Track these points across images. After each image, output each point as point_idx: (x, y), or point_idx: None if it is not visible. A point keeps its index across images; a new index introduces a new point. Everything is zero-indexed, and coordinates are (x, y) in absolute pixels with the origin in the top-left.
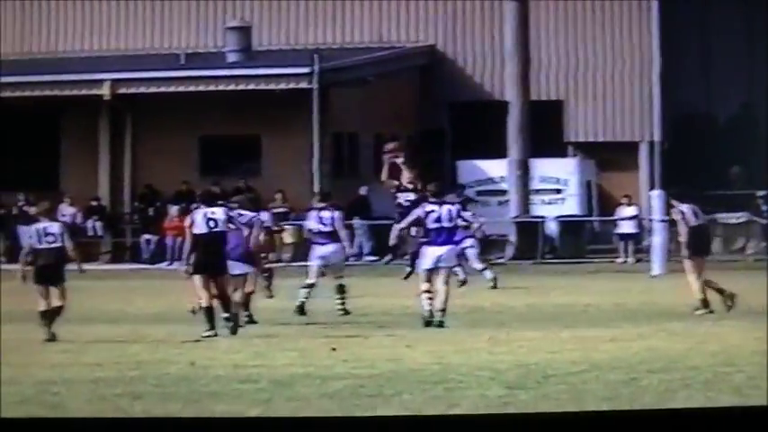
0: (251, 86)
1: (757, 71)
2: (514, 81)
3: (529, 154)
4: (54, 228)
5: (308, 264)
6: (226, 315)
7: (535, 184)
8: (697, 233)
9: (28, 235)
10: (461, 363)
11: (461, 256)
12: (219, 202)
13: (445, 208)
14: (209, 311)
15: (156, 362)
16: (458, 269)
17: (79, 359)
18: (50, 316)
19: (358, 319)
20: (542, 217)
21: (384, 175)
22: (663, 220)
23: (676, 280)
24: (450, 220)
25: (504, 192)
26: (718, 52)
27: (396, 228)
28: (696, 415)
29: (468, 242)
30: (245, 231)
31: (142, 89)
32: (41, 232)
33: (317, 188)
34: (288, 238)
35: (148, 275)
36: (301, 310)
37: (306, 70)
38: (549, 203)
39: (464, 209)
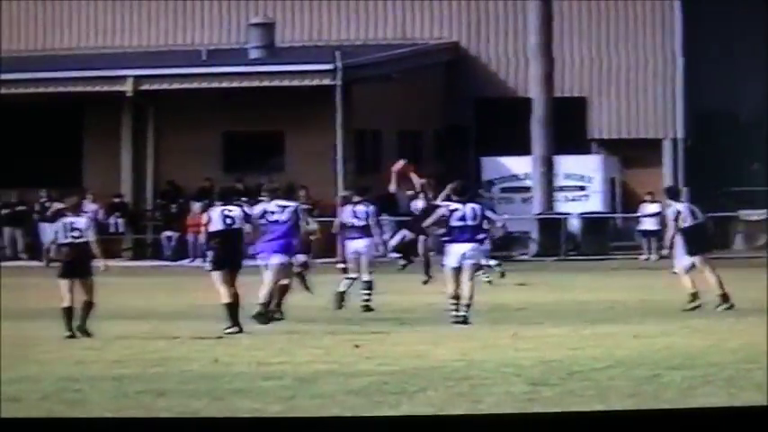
0: (274, 83)
1: None
2: (538, 78)
3: (553, 151)
4: (80, 223)
5: (346, 259)
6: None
7: (559, 181)
8: (693, 232)
9: (54, 230)
10: (485, 359)
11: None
12: (246, 198)
13: (469, 206)
14: (232, 308)
15: (179, 359)
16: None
17: (102, 356)
18: (83, 312)
19: (382, 315)
20: (566, 214)
21: (392, 187)
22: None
23: (699, 277)
24: (475, 218)
25: (527, 189)
26: (739, 51)
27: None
28: (696, 415)
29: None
30: (290, 222)
31: (165, 86)
32: (68, 227)
33: (340, 185)
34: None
35: (171, 272)
36: (341, 299)
37: (329, 67)
38: (573, 200)
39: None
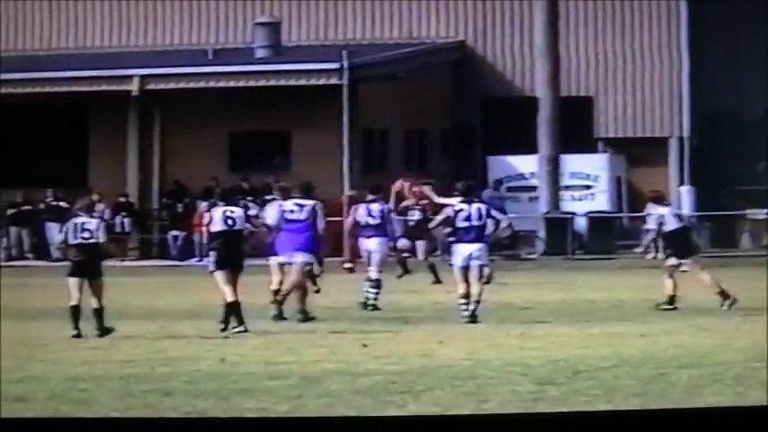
0: (280, 82)
1: None
2: (544, 77)
3: (559, 150)
4: (91, 224)
5: (367, 257)
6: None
7: (565, 180)
8: (677, 236)
9: (64, 229)
10: (492, 358)
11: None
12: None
13: (474, 206)
14: (235, 308)
15: (186, 358)
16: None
17: (109, 356)
18: (96, 318)
19: (388, 314)
20: (572, 213)
21: (391, 205)
22: (692, 216)
23: (706, 276)
24: (480, 218)
25: (534, 188)
26: (745, 50)
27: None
28: (696, 415)
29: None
30: (308, 220)
31: (171, 85)
32: (78, 227)
33: (346, 184)
34: None
35: (177, 272)
36: (365, 305)
37: (335, 66)
38: (579, 199)
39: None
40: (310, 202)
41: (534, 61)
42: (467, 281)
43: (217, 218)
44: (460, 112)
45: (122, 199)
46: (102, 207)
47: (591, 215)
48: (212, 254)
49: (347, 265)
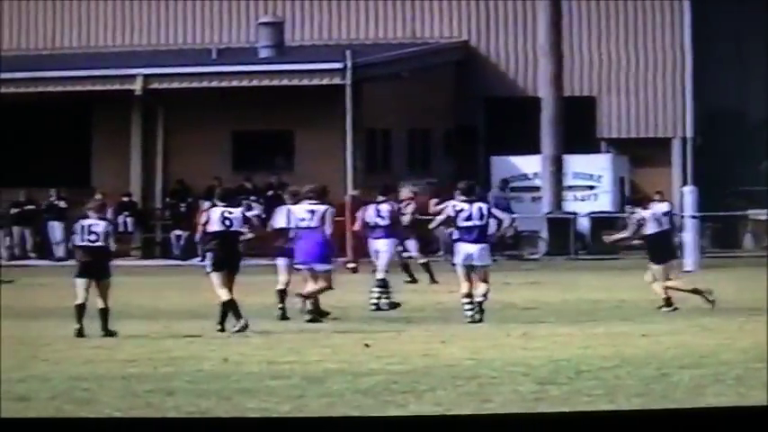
0: (284, 82)
1: None
2: (548, 77)
3: (562, 150)
4: (99, 227)
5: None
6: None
7: (568, 180)
8: (658, 239)
9: (73, 230)
10: (494, 358)
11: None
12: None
13: (476, 206)
14: (232, 305)
15: (189, 358)
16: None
17: (111, 355)
18: (101, 319)
19: (391, 314)
20: (575, 213)
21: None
22: (694, 217)
23: (708, 276)
24: (481, 217)
25: (537, 188)
26: (749, 50)
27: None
28: (698, 415)
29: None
30: (320, 227)
31: (174, 84)
32: (85, 229)
33: (350, 184)
34: None
35: (180, 271)
36: (377, 307)
37: (338, 66)
38: (582, 200)
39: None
40: (322, 208)
41: (537, 61)
42: (469, 280)
43: (214, 218)
44: (464, 112)
45: (125, 198)
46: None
47: (594, 215)
48: (209, 255)
49: (350, 266)
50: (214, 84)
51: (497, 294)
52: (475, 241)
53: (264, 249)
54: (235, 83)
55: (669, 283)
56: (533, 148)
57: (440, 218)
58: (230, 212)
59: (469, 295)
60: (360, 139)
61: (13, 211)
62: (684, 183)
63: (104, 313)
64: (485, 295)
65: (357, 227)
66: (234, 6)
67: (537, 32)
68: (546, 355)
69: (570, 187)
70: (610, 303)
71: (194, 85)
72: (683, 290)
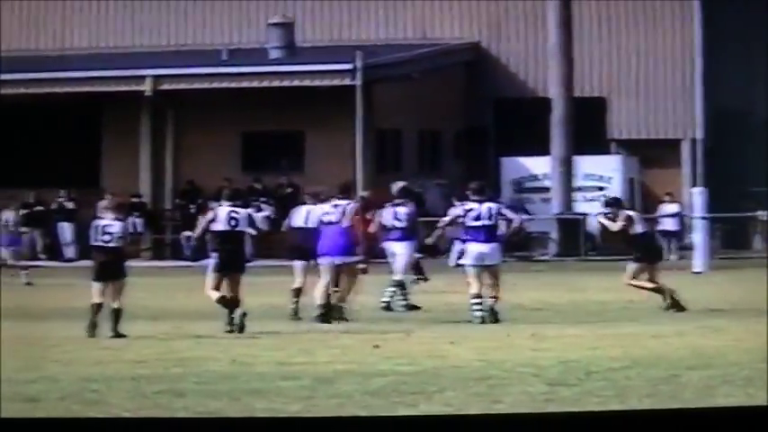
0: (294, 83)
1: None
2: (557, 78)
3: (572, 151)
4: (114, 227)
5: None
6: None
7: (578, 182)
8: (646, 240)
9: (90, 230)
10: (504, 359)
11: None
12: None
13: (485, 206)
14: (226, 300)
15: (199, 359)
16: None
17: (121, 356)
18: (113, 319)
19: (400, 315)
20: (585, 214)
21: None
22: (704, 218)
23: (718, 277)
24: (491, 217)
25: (547, 189)
26: (758, 51)
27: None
28: (707, 415)
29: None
30: (341, 221)
31: (184, 85)
32: (100, 230)
33: (360, 185)
34: None
35: (190, 272)
36: (388, 307)
37: (348, 67)
38: (592, 200)
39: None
40: (344, 203)
41: (547, 62)
42: (479, 281)
43: (221, 217)
44: (474, 113)
45: (135, 199)
46: None
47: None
48: (214, 255)
49: (360, 266)
50: (224, 84)
51: (506, 295)
52: (485, 241)
53: (274, 251)
54: (245, 84)
55: (634, 282)
56: (543, 149)
57: (448, 217)
58: (237, 212)
59: (479, 296)
60: (370, 140)
61: (23, 212)
62: (694, 184)
63: (117, 314)
64: (495, 297)
65: (373, 228)
66: (244, 7)
67: (547, 33)
68: (555, 356)
69: (580, 188)
70: (618, 304)
71: (204, 85)
72: (646, 288)
